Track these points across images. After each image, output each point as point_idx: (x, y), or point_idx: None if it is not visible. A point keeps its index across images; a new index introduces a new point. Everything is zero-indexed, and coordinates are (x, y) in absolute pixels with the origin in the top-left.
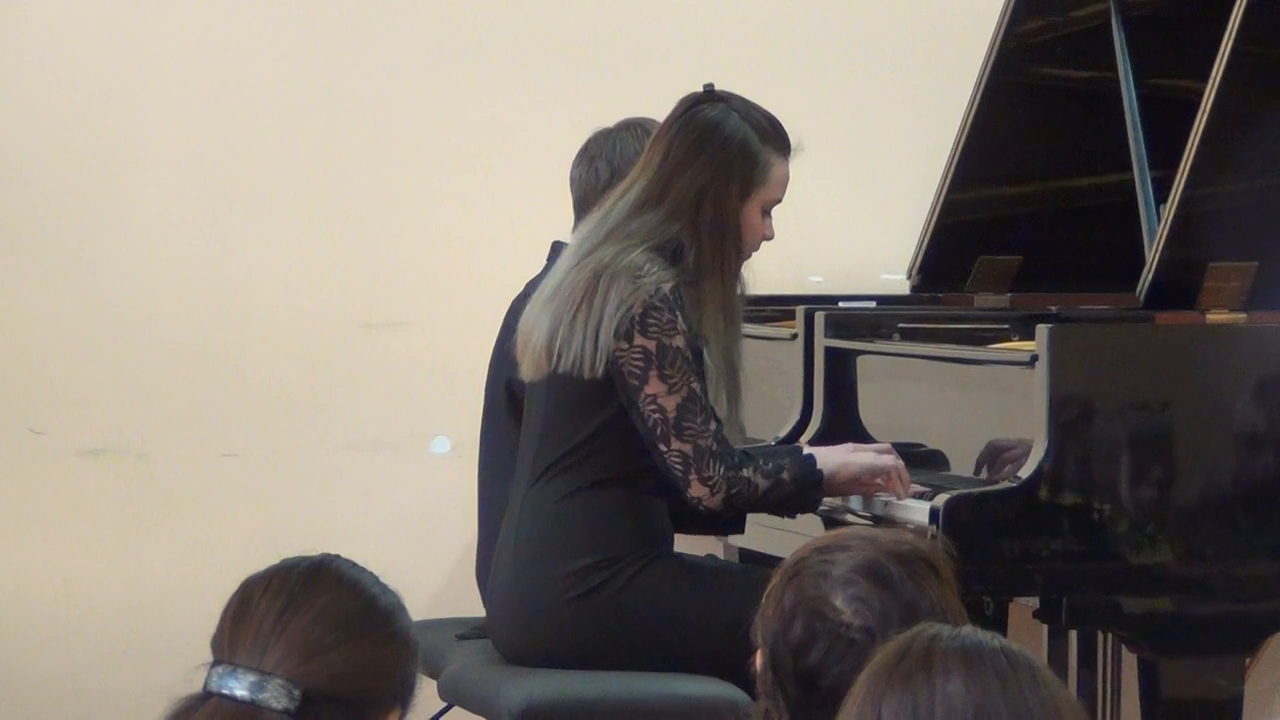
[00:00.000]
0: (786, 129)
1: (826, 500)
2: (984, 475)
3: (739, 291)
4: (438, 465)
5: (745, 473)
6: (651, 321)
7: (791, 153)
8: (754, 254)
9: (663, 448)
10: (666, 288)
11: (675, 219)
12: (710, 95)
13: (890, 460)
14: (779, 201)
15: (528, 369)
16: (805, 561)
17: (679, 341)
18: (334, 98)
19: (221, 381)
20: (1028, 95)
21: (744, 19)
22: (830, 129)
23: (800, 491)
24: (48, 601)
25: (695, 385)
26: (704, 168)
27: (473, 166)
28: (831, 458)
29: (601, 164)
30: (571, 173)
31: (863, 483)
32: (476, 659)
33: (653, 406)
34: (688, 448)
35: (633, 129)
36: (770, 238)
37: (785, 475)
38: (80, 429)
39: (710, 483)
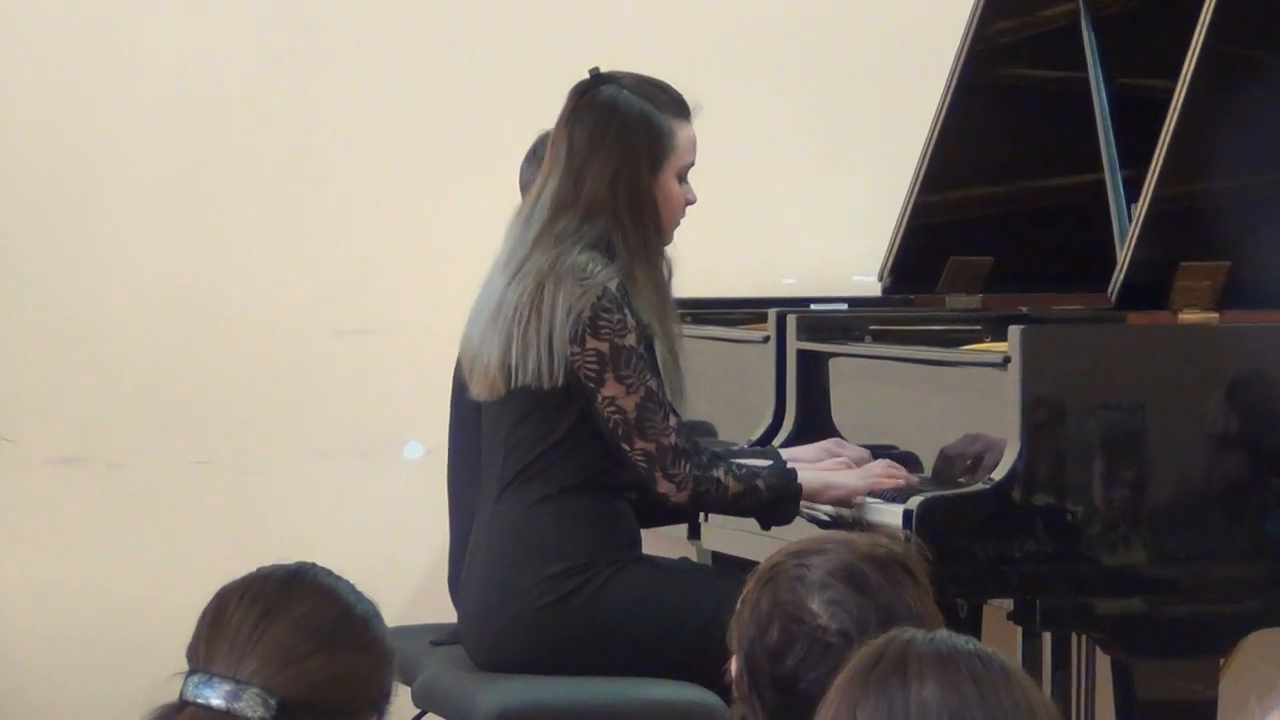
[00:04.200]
0: (681, 92)
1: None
2: (948, 474)
3: (666, 270)
4: (410, 471)
5: (715, 473)
6: (603, 323)
7: (692, 113)
8: (689, 233)
9: (626, 447)
10: (613, 285)
11: (597, 211)
12: (597, 78)
13: (873, 484)
14: (692, 164)
15: (481, 391)
16: (781, 565)
17: (631, 340)
18: (304, 106)
19: (193, 389)
20: (998, 96)
21: (713, 24)
22: (801, 131)
23: (775, 503)
24: (20, 610)
25: (652, 383)
26: (610, 152)
27: (442, 174)
28: (816, 476)
29: None
30: (521, 175)
31: (848, 502)
32: (450, 666)
33: (612, 408)
34: (651, 446)
35: None
36: (693, 201)
37: (760, 484)
38: (51, 437)
39: (676, 479)
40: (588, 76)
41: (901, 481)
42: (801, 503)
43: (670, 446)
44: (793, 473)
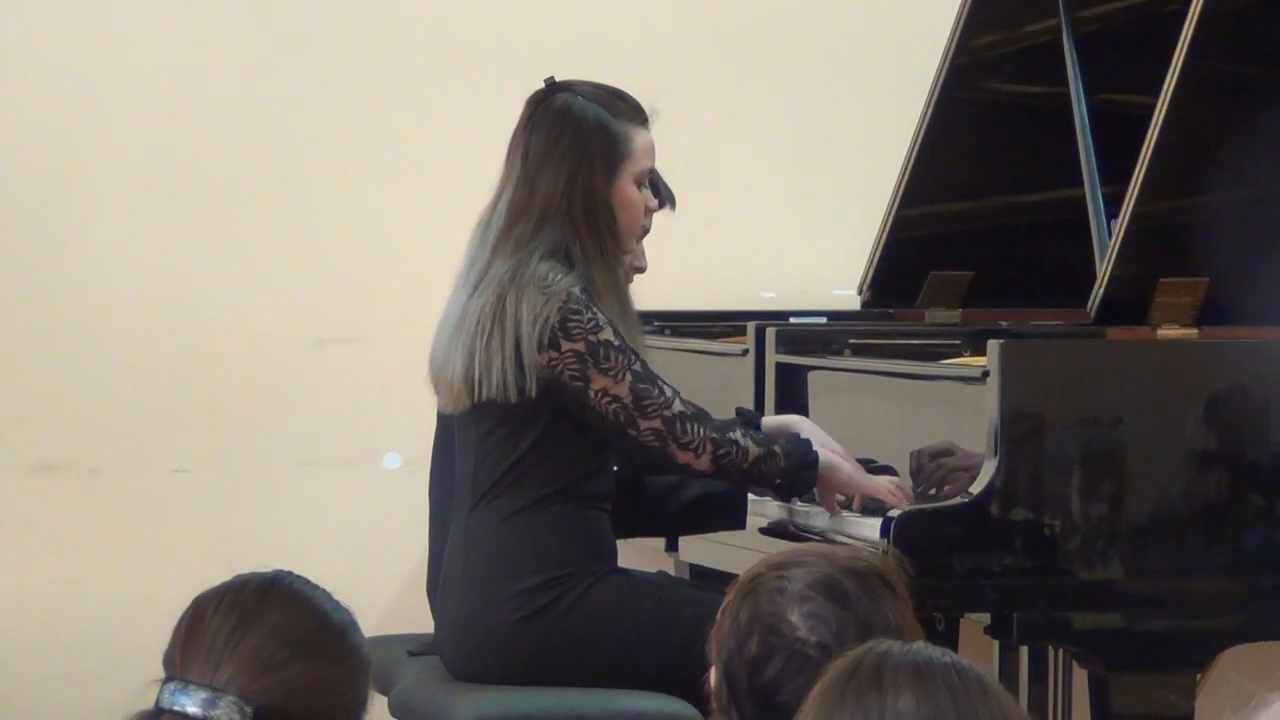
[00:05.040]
0: (638, 98)
1: (774, 512)
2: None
3: (624, 277)
4: (389, 481)
5: (733, 435)
6: (573, 325)
7: (649, 121)
8: (645, 234)
9: (633, 433)
10: (576, 290)
11: (551, 217)
12: (553, 87)
13: (875, 489)
14: (650, 170)
15: (447, 403)
16: (761, 578)
17: (606, 335)
18: (285, 114)
19: (173, 397)
20: (980, 110)
21: (695, 34)
22: (781, 145)
23: (794, 470)
24: None
25: (637, 365)
26: (564, 158)
27: (424, 183)
28: (829, 455)
29: None
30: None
31: (850, 487)
32: (427, 676)
33: (607, 399)
34: (656, 422)
35: None
36: (655, 209)
37: (778, 449)
38: (31, 445)
39: (692, 446)
40: (543, 85)
41: (901, 502)
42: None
43: (676, 415)
44: (808, 442)
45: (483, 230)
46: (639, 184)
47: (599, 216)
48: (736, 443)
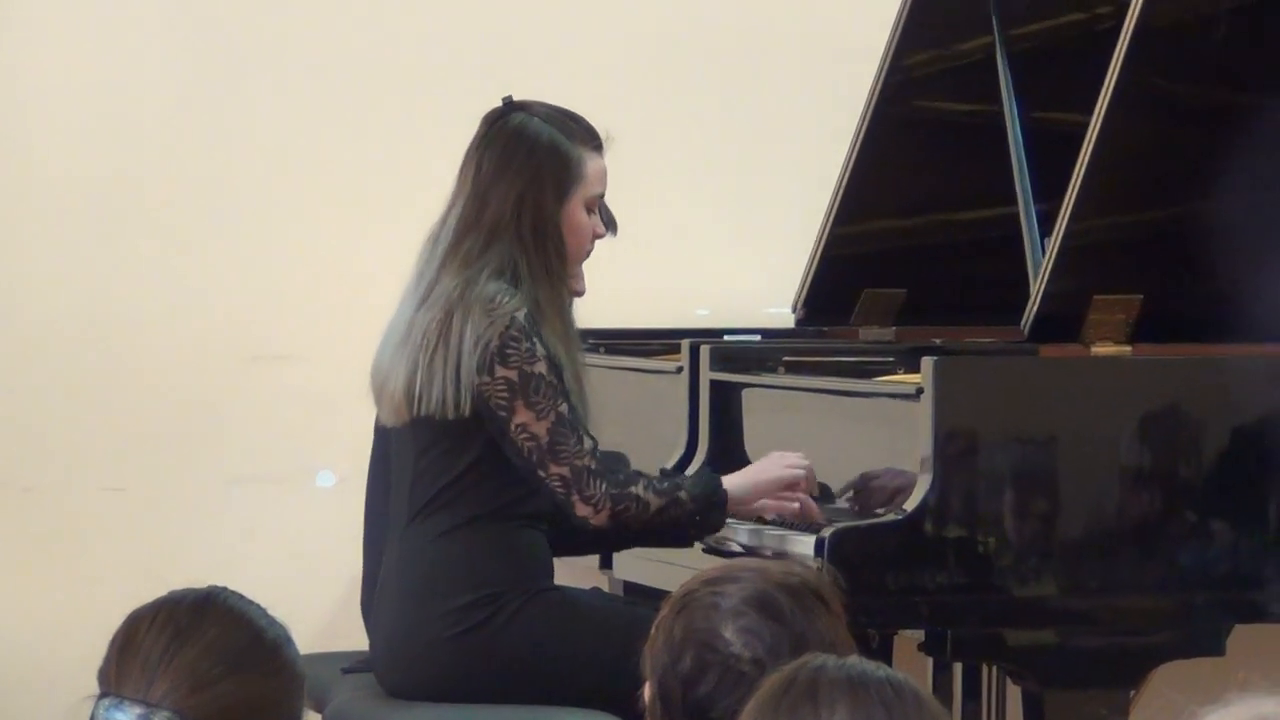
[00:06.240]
0: (595, 125)
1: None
2: (855, 503)
3: (568, 297)
4: (323, 499)
5: (634, 489)
6: (510, 352)
7: (604, 146)
8: (590, 255)
9: (541, 474)
10: (521, 315)
11: (500, 234)
12: (510, 106)
13: (797, 470)
14: (601, 196)
15: (388, 415)
16: (695, 593)
17: (541, 368)
18: (222, 132)
19: (107, 415)
20: (913, 128)
21: (625, 53)
22: (715, 162)
23: (701, 511)
24: None
25: (563, 408)
26: (516, 177)
27: (360, 200)
28: (740, 481)
29: None
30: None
31: (776, 498)
32: (362, 693)
33: (525, 435)
34: (565, 470)
35: None
36: (602, 235)
37: (683, 494)
38: None
39: (594, 501)
40: (501, 104)
41: (801, 471)
42: (729, 518)
43: (585, 468)
44: (716, 477)
45: (432, 243)
46: (589, 209)
47: (547, 237)
48: (637, 498)
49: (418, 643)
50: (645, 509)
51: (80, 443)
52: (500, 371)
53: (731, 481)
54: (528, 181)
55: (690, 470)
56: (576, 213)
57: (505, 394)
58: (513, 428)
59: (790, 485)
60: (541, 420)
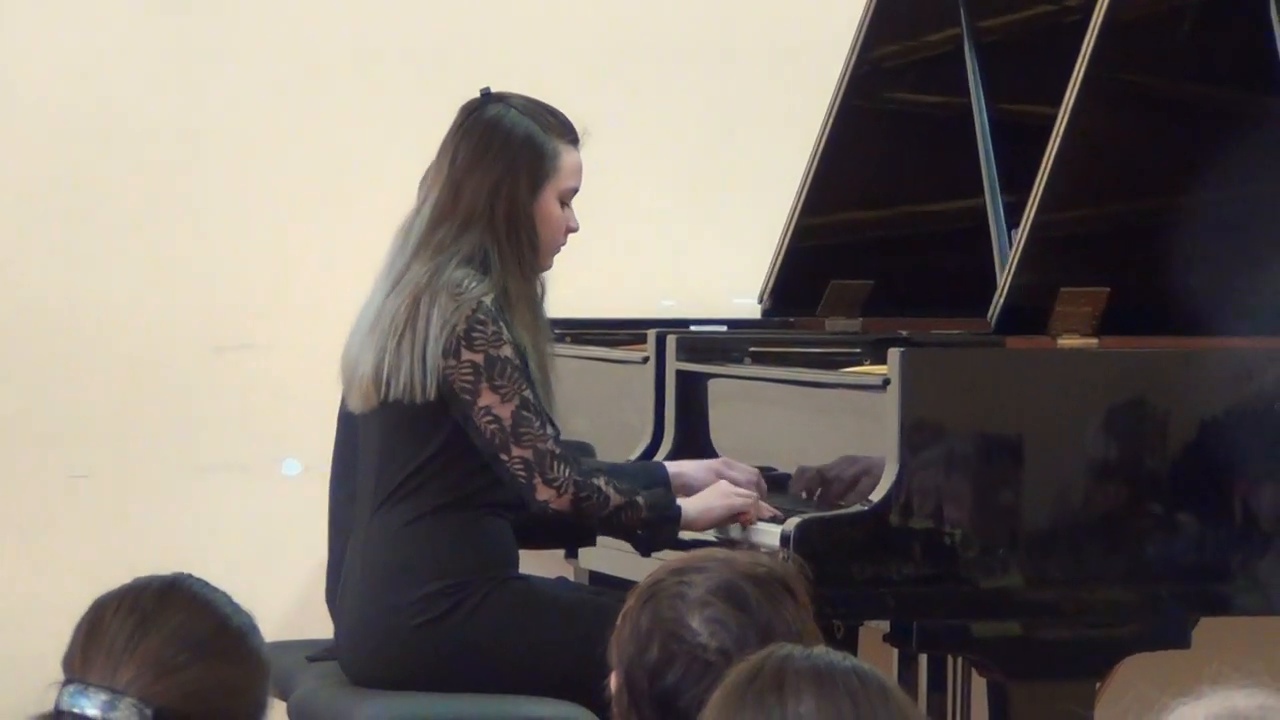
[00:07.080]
0: (572, 120)
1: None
2: (826, 495)
3: (539, 289)
4: (288, 487)
5: (597, 481)
6: (477, 335)
7: (580, 141)
8: (562, 248)
9: (504, 457)
10: (488, 300)
11: (473, 223)
12: (488, 97)
13: (746, 499)
14: (576, 190)
15: (356, 401)
16: (662, 583)
17: (506, 351)
18: (187, 122)
19: (72, 403)
20: (881, 119)
21: (592, 43)
22: (682, 153)
23: (655, 522)
24: None
25: (527, 393)
26: (491, 167)
27: (324, 190)
28: (694, 503)
29: None
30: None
31: (725, 520)
32: (327, 681)
33: (488, 418)
34: (528, 453)
35: None
36: (575, 229)
37: (641, 500)
38: None
39: (556, 484)
40: (479, 95)
41: (750, 499)
42: (682, 532)
43: (548, 451)
44: (670, 495)
45: (405, 232)
46: (563, 202)
47: (520, 228)
48: (599, 489)
49: (382, 631)
50: (605, 503)
51: (47, 431)
52: (466, 355)
53: (684, 502)
54: (502, 172)
55: (658, 459)
56: (550, 205)
57: (470, 377)
58: (477, 410)
59: (740, 512)
60: (506, 404)
